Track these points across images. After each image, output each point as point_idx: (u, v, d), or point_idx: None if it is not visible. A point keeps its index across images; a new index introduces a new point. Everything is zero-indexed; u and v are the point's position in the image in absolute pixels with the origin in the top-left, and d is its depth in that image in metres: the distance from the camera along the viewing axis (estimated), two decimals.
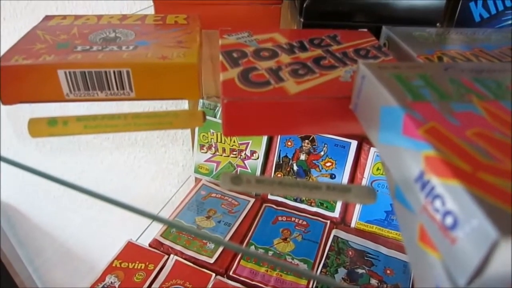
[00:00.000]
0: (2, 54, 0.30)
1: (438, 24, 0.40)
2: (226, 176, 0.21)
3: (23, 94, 0.29)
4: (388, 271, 0.58)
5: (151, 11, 0.44)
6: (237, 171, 0.71)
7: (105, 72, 0.28)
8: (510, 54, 0.34)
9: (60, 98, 0.29)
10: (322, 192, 0.21)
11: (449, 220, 0.14)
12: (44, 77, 0.28)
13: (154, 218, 0.34)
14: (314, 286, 0.56)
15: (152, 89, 0.30)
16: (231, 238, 0.63)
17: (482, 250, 0.13)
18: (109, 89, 0.29)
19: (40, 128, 0.26)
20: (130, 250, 0.61)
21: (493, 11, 0.42)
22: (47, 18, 0.37)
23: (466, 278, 0.14)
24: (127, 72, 0.28)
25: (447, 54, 0.33)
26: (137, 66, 0.28)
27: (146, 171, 0.96)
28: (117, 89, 0.29)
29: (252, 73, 0.28)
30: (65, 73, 0.28)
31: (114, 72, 0.28)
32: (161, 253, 0.61)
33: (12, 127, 0.94)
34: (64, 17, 0.37)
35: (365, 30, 0.37)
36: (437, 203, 0.15)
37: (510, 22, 0.42)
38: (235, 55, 0.30)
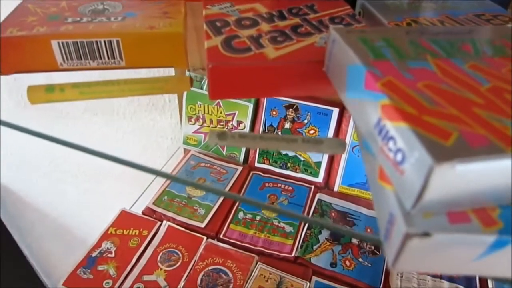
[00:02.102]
0: None
1: None
2: (213, 133, 0.23)
3: (19, 64, 0.31)
4: (369, 230, 0.62)
5: None
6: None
7: (96, 42, 0.30)
8: (473, 20, 0.36)
9: (54, 68, 0.31)
10: (298, 144, 0.23)
11: (399, 156, 0.17)
12: (38, 48, 0.30)
13: (158, 173, 0.36)
14: (299, 245, 0.60)
15: (141, 58, 0.32)
16: (221, 205, 0.66)
17: (422, 176, 0.16)
18: (101, 58, 0.31)
19: (38, 95, 0.28)
20: (124, 218, 0.64)
21: None
22: None
23: (411, 202, 0.17)
24: (117, 42, 0.30)
25: (416, 20, 0.35)
26: (126, 36, 0.30)
27: (135, 145, 0.98)
28: (108, 58, 0.31)
29: (234, 40, 0.30)
30: (58, 43, 0.30)
31: (104, 42, 0.30)
32: (154, 219, 0.64)
33: None
34: None
35: None
36: (391, 144, 0.18)
37: None
38: (218, 24, 0.32)
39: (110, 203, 0.86)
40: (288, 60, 0.28)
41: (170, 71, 0.72)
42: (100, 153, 0.30)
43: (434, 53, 0.23)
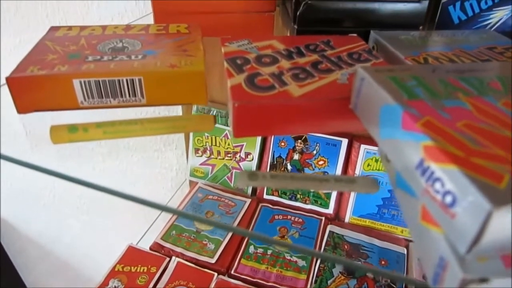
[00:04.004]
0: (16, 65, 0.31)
1: (420, 27, 0.43)
2: (244, 174, 0.23)
3: (38, 103, 0.31)
4: (383, 262, 0.61)
5: (145, 20, 0.45)
6: (232, 173, 0.73)
7: (118, 80, 0.30)
8: (487, 53, 0.37)
9: (75, 106, 0.31)
10: (331, 184, 0.23)
11: (448, 199, 0.17)
12: (59, 86, 0.30)
13: (164, 209, 0.35)
14: (313, 280, 0.58)
15: (162, 96, 0.31)
16: (230, 239, 0.65)
17: (479, 221, 0.15)
18: (122, 96, 0.31)
19: (61, 134, 0.27)
20: (131, 254, 0.62)
21: (470, 14, 0.45)
22: (53, 29, 0.38)
23: (466, 246, 0.16)
24: (139, 80, 0.30)
25: (431, 55, 0.36)
26: (149, 74, 0.30)
27: (139, 176, 0.97)
28: (129, 96, 0.31)
29: (257, 78, 0.30)
30: (80, 82, 0.30)
31: (127, 81, 0.30)
32: (162, 255, 0.62)
33: None
34: (70, 28, 0.38)
35: (355, 35, 0.40)
36: (437, 185, 0.18)
37: (485, 23, 0.46)
38: (239, 61, 0.32)
39: (115, 236, 0.84)
40: (314, 98, 0.28)
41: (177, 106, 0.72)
42: (107, 189, 0.30)
43: (465, 91, 0.23)
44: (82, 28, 0.39)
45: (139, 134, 0.28)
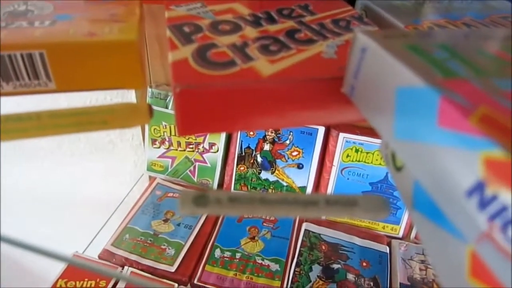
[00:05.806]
0: None
1: None
2: (187, 196, 0.15)
3: None
4: (364, 264, 0.55)
5: None
6: (195, 166, 0.65)
7: (9, 56, 0.21)
8: (502, 23, 0.30)
9: None
10: (320, 208, 0.15)
11: None
12: None
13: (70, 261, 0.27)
14: (288, 286, 0.51)
15: (77, 77, 0.22)
16: (193, 242, 0.56)
17: None
18: (18, 79, 0.21)
19: None
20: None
21: None
22: None
23: None
24: (41, 55, 0.21)
25: (437, 23, 0.28)
26: (54, 46, 0.21)
27: (93, 171, 0.87)
28: (29, 79, 0.22)
29: (211, 50, 0.21)
30: None
31: (22, 56, 0.21)
32: (113, 265, 0.53)
33: None
34: None
35: None
36: None
37: None
38: (186, 29, 0.24)
39: (66, 240, 0.74)
40: (291, 78, 0.19)
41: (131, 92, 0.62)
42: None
43: None
44: None
45: (34, 134, 0.19)
